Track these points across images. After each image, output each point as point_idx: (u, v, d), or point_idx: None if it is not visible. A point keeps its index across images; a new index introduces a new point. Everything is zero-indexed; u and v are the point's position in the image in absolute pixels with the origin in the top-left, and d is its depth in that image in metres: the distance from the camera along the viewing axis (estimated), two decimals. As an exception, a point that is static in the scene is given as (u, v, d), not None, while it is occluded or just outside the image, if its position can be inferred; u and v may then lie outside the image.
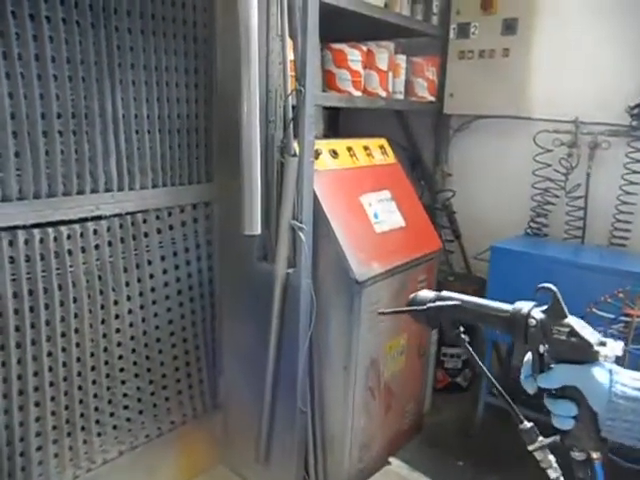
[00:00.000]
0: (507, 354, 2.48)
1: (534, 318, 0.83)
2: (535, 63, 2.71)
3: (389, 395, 2.34)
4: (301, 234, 1.84)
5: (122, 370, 1.94)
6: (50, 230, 1.63)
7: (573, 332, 0.81)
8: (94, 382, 1.86)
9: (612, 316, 1.82)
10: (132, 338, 1.95)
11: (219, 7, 1.95)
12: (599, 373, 0.80)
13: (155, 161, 1.89)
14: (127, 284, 1.89)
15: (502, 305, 0.89)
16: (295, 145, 1.88)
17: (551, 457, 0.84)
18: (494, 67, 2.77)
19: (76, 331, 1.77)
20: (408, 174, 2.68)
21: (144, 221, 1.89)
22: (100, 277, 1.80)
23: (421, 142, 3.19)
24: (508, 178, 2.94)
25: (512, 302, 0.88)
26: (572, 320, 0.82)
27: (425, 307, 0.95)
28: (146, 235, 1.91)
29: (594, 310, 1.84)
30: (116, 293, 1.86)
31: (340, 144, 2.26)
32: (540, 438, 0.85)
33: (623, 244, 2.61)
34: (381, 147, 2.47)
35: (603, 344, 0.81)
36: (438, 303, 0.95)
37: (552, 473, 0.83)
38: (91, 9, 1.61)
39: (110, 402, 1.92)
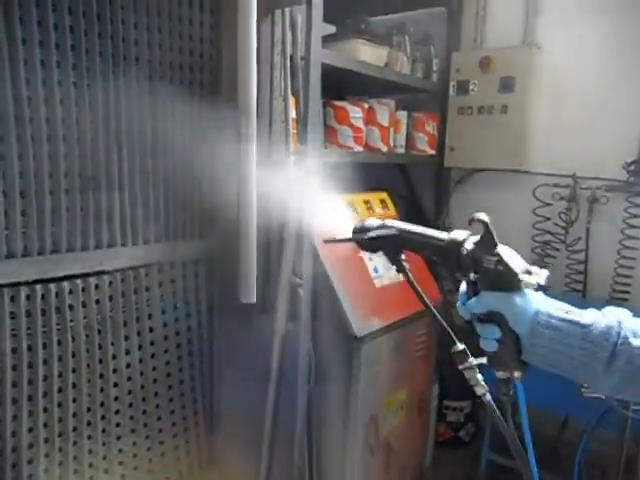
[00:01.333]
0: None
1: (466, 247, 0.87)
2: (533, 119, 2.78)
3: (389, 451, 2.30)
4: (300, 290, 1.85)
5: (118, 425, 1.92)
6: (52, 286, 1.65)
7: (500, 261, 0.86)
8: (89, 437, 1.84)
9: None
10: (130, 392, 1.94)
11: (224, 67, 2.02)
12: (522, 301, 0.86)
13: (158, 217, 1.93)
14: (126, 338, 1.89)
15: (439, 234, 0.93)
16: (296, 201, 1.92)
17: (479, 376, 0.90)
18: (493, 123, 2.84)
19: (73, 386, 1.76)
20: (409, 226, 2.71)
21: (146, 275, 1.91)
22: (100, 331, 1.81)
23: (422, 194, 3.24)
24: (508, 230, 2.92)
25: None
26: (501, 250, 0.87)
27: (366, 237, 1.00)
28: (147, 289, 1.92)
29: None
30: (115, 347, 1.86)
31: (341, 199, 2.30)
32: (470, 359, 0.90)
33: (624, 298, 2.60)
34: (382, 201, 2.51)
35: (529, 272, 0.87)
36: (378, 232, 0.98)
37: (479, 390, 0.90)
38: (102, 74, 1.68)
39: (105, 458, 1.89)
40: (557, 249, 2.78)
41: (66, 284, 1.69)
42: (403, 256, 0.99)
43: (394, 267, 1.01)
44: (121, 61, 1.72)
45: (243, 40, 1.46)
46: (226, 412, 2.22)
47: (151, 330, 1.97)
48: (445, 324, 0.96)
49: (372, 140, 2.58)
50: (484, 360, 0.90)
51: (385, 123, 2.61)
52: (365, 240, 1.00)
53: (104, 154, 1.73)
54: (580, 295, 2.71)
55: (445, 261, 0.91)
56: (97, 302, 1.78)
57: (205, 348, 2.18)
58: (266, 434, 2.00)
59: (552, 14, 2.77)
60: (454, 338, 0.92)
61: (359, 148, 2.46)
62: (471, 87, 2.89)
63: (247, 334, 2.09)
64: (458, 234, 0.90)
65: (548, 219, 2.77)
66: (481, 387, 0.90)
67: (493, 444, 2.58)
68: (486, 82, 2.83)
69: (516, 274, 0.85)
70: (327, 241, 1.16)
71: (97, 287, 1.78)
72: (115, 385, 1.89)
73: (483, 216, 0.86)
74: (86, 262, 1.73)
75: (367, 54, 2.45)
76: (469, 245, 0.87)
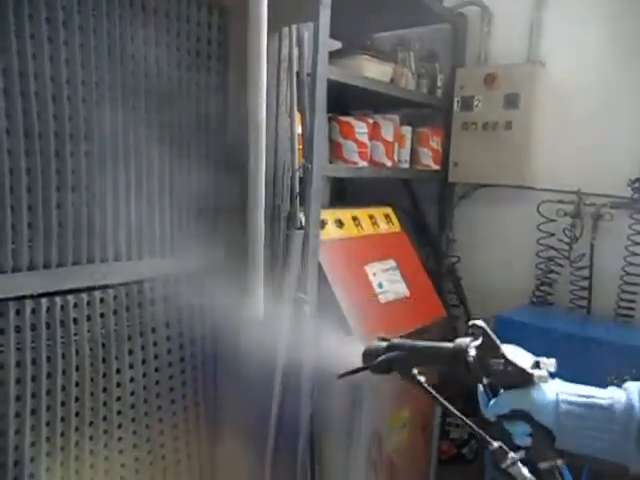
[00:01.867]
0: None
1: (470, 354, 0.89)
2: (537, 136, 2.79)
3: (392, 468, 2.28)
4: (305, 306, 1.85)
5: (120, 439, 1.91)
6: (57, 299, 1.65)
7: (507, 362, 0.88)
8: (91, 452, 1.83)
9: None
10: (132, 406, 1.93)
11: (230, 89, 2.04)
12: (539, 395, 0.87)
13: (164, 231, 1.93)
14: (130, 352, 1.89)
15: (443, 344, 0.95)
16: (301, 216, 1.92)
17: (524, 470, 0.89)
18: (497, 138, 2.85)
19: (76, 400, 1.75)
20: (413, 240, 2.71)
21: (150, 289, 1.91)
22: (104, 345, 1.80)
23: (426, 208, 3.24)
24: (512, 246, 2.96)
25: None
26: (505, 350, 0.89)
27: (375, 364, 1.03)
28: (152, 303, 1.92)
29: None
30: (119, 361, 1.86)
31: (346, 213, 2.31)
32: (510, 455, 0.89)
33: (629, 314, 2.60)
34: (386, 216, 2.52)
35: (537, 365, 0.89)
36: (388, 355, 1.01)
37: None
38: (110, 88, 1.70)
39: (107, 473, 1.88)
40: (561, 265, 2.77)
41: (71, 297, 1.69)
42: (415, 371, 1.01)
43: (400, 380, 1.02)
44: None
45: (253, 58, 1.47)
46: (229, 426, 2.21)
47: (155, 344, 1.96)
48: (476, 427, 0.95)
49: (377, 155, 2.59)
50: (523, 454, 0.90)
51: (390, 138, 2.62)
52: (376, 365, 1.03)
53: (111, 167, 1.74)
54: (585, 311, 2.70)
55: (456, 370, 0.92)
56: (102, 316, 1.78)
57: (209, 362, 2.17)
58: (269, 449, 1.98)
59: (556, 31, 2.80)
60: (488, 439, 0.92)
61: (364, 163, 2.47)
62: (475, 103, 2.91)
63: (251, 349, 2.09)
64: (461, 342, 0.92)
65: (552, 235, 2.77)
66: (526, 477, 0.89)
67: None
68: (490, 98, 2.85)
69: (526, 372, 0.88)
70: (341, 376, 1.17)
71: (102, 300, 1.78)
72: (118, 399, 1.88)
73: (479, 322, 0.90)
74: (92, 275, 1.73)
75: (372, 70, 2.47)
76: (472, 351, 0.89)
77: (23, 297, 1.58)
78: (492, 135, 2.84)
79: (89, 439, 1.80)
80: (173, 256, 1.98)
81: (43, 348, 1.64)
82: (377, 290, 2.17)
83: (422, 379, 1.01)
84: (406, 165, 2.84)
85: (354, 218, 2.32)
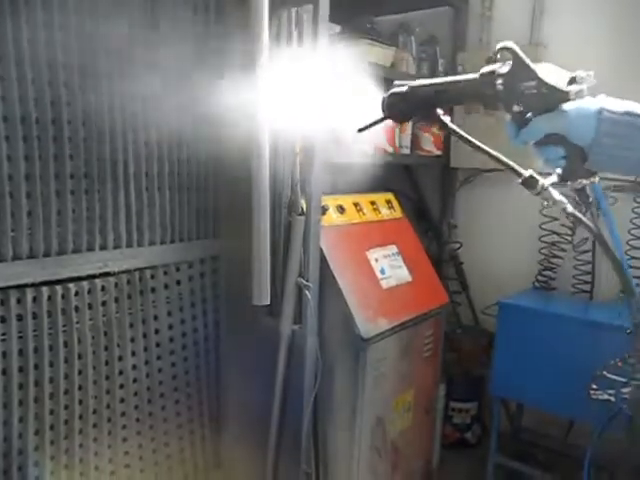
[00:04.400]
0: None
1: (499, 81, 0.83)
2: (539, 119, 2.76)
3: (396, 454, 2.29)
4: (307, 292, 1.84)
5: (124, 427, 1.91)
6: (58, 287, 1.64)
7: (542, 83, 0.82)
8: (95, 440, 1.83)
9: (624, 380, 1.79)
10: (135, 394, 1.93)
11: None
12: (580, 112, 0.82)
13: (164, 218, 1.92)
14: (132, 340, 1.89)
15: (469, 76, 0.89)
16: (303, 202, 1.91)
17: (554, 193, 0.86)
18: (499, 122, 2.81)
19: (79, 388, 1.76)
20: (415, 226, 2.70)
21: (152, 277, 1.91)
22: (106, 333, 1.80)
23: (428, 194, 3.22)
24: (515, 231, 2.95)
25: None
26: (539, 70, 0.83)
27: (396, 110, 0.96)
28: (153, 290, 1.92)
29: (604, 373, 1.82)
30: (121, 349, 1.86)
31: (347, 199, 2.29)
32: (540, 181, 0.85)
33: (632, 299, 2.59)
34: (388, 202, 2.50)
35: (574, 80, 0.84)
36: (407, 102, 0.95)
37: (560, 204, 0.85)
38: (108, 78, 1.68)
39: (111, 461, 1.88)
40: (564, 250, 2.76)
41: (72, 286, 1.68)
42: (440, 111, 0.94)
43: None
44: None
45: (254, 42, 1.44)
46: (232, 414, 2.22)
47: (157, 332, 1.96)
48: (504, 159, 0.90)
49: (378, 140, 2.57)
50: (554, 178, 0.87)
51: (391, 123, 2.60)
52: (397, 112, 0.97)
53: (110, 154, 1.72)
54: (588, 296, 2.69)
55: (485, 101, 0.88)
56: (103, 304, 1.78)
57: (211, 350, 2.17)
58: (272, 436, 1.99)
59: (558, 13, 2.76)
60: (517, 168, 0.87)
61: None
62: (477, 87, 2.87)
63: (253, 335, 2.09)
64: (488, 68, 0.86)
65: (555, 219, 2.75)
66: (561, 202, 0.86)
67: (500, 446, 2.56)
68: (492, 82, 2.81)
69: (562, 90, 0.82)
70: (361, 129, 1.06)
71: (103, 289, 1.77)
72: (121, 387, 1.88)
73: (509, 44, 0.83)
74: (92, 263, 1.72)
75: (373, 54, 2.44)
76: (502, 76, 0.83)
77: (24, 285, 1.58)
78: (494, 119, 2.81)
79: (92, 427, 1.81)
80: (174, 243, 1.97)
81: (45, 336, 1.64)
82: (379, 276, 2.16)
83: (447, 119, 0.94)
84: (407, 151, 2.81)
85: (355, 204, 2.30)
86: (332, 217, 2.14)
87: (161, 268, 1.93)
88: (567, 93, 0.82)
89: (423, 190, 3.23)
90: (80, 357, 1.74)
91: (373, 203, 2.41)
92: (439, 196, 3.17)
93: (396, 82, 0.98)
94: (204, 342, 2.14)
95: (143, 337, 1.92)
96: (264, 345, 2.00)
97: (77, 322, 1.71)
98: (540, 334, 2.34)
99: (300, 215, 1.86)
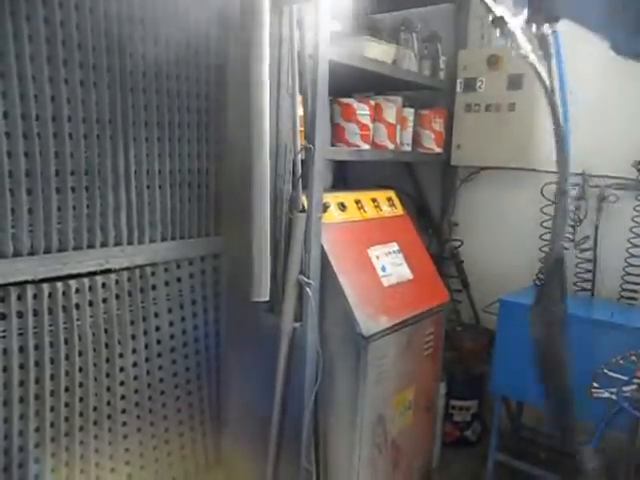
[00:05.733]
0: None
1: None
2: (541, 117, 2.75)
3: (396, 451, 2.29)
4: (308, 289, 1.84)
5: (125, 424, 1.91)
6: (59, 284, 1.64)
7: None
8: (96, 437, 1.83)
9: (625, 378, 1.79)
10: (136, 391, 1.93)
11: (230, 66, 2.01)
12: None
13: (165, 215, 1.92)
14: (133, 337, 1.89)
15: None
16: (304, 199, 1.90)
17: (520, 36, 0.83)
18: (500, 120, 2.81)
19: (80, 385, 1.75)
20: (415, 224, 2.69)
21: (152, 274, 1.90)
22: (106, 330, 1.80)
23: (429, 192, 3.22)
24: (515, 228, 2.94)
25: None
26: None
27: None
28: (154, 288, 1.92)
29: (605, 371, 1.81)
30: (122, 346, 1.85)
31: (348, 197, 2.28)
32: (508, 23, 0.85)
33: (633, 297, 2.59)
34: (389, 199, 2.49)
35: None
36: None
37: (524, 51, 0.84)
38: (108, 71, 1.67)
39: (111, 457, 1.88)
40: (565, 247, 2.75)
41: (73, 282, 1.68)
42: None
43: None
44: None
45: (255, 39, 1.44)
46: (233, 411, 2.22)
47: (157, 329, 1.96)
48: None
49: (379, 137, 2.56)
50: (521, 21, 0.85)
51: (392, 120, 2.59)
52: None
53: (111, 151, 1.72)
54: (589, 294, 2.68)
55: None
56: (104, 301, 1.77)
57: (212, 347, 2.17)
58: (273, 433, 1.98)
59: (561, 10, 2.75)
60: (491, 6, 0.86)
61: (366, 146, 2.44)
62: (478, 84, 2.87)
63: (254, 333, 2.08)
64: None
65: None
66: (524, 48, 0.85)
67: (500, 444, 2.56)
68: (494, 79, 2.80)
69: None
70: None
71: (104, 286, 1.77)
72: (122, 384, 1.88)
73: None
74: (93, 260, 1.72)
75: (375, 51, 2.43)
76: None
77: (25, 282, 1.57)
78: (495, 117, 2.81)
79: (93, 424, 1.81)
80: (175, 241, 1.97)
81: (46, 334, 1.64)
82: (380, 273, 2.15)
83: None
84: (408, 148, 2.80)
85: (357, 201, 2.29)
86: (333, 214, 2.14)
87: (162, 265, 1.93)
88: None
89: (424, 188, 3.23)
90: (81, 354, 1.74)
91: (374, 200, 2.40)
92: (440, 194, 3.16)
93: None
94: (205, 339, 2.13)
95: (144, 334, 1.92)
96: (265, 343, 2.00)
97: (78, 319, 1.71)
98: (541, 332, 2.33)
99: (301, 212, 1.85)
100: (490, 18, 0.85)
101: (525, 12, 0.84)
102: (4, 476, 1.61)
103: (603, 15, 0.81)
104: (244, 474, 2.19)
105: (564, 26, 2.66)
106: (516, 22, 0.84)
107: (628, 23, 0.84)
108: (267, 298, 1.55)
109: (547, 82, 0.86)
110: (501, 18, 0.84)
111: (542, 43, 0.85)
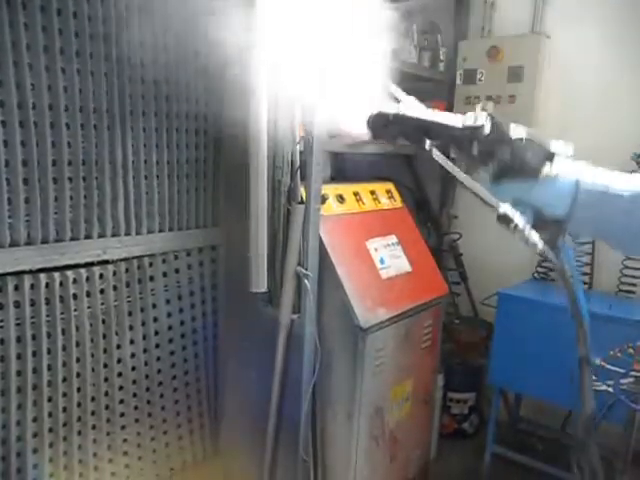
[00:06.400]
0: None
1: (477, 142, 0.84)
2: (541, 109, 2.74)
3: (394, 443, 2.29)
4: (306, 281, 1.83)
5: (123, 415, 1.91)
6: (56, 275, 1.64)
7: (515, 155, 0.82)
8: (94, 427, 1.83)
9: (622, 371, 1.79)
10: (134, 382, 1.93)
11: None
12: (549, 190, 0.81)
13: (163, 206, 1.91)
14: (131, 327, 1.89)
15: (452, 125, 0.88)
16: (302, 191, 1.90)
17: (527, 232, 0.83)
18: (500, 112, 2.78)
19: (78, 375, 1.76)
20: (414, 216, 2.69)
21: (150, 265, 1.90)
22: (104, 321, 1.80)
23: (428, 184, 3.20)
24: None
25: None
26: (516, 136, 0.83)
27: (382, 131, 0.98)
28: (152, 279, 1.91)
29: (603, 364, 1.81)
30: (119, 337, 1.85)
31: (347, 189, 2.27)
32: (515, 222, 0.84)
33: (631, 290, 2.59)
34: (388, 191, 2.48)
35: (550, 158, 0.82)
36: (394, 126, 0.96)
37: (532, 245, 0.83)
38: (106, 59, 1.66)
39: (109, 448, 1.89)
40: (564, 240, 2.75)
41: (70, 273, 1.67)
42: (428, 143, 0.94)
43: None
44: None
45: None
46: (230, 402, 2.22)
47: (155, 320, 1.96)
48: (482, 194, 0.88)
49: (378, 130, 2.55)
50: (527, 223, 0.84)
51: (391, 112, 2.58)
52: (383, 133, 0.99)
53: (108, 141, 1.71)
54: (587, 287, 2.68)
55: (462, 152, 0.88)
56: (101, 292, 1.77)
57: (210, 338, 2.17)
58: (270, 425, 1.99)
59: (562, 3, 2.73)
60: (495, 205, 0.86)
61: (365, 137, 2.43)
62: (479, 76, 2.85)
63: (252, 325, 2.08)
64: (469, 126, 0.86)
65: (555, 211, 2.74)
66: (533, 243, 0.84)
67: (497, 436, 2.57)
68: (494, 71, 2.79)
69: (534, 168, 0.81)
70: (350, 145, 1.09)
71: (101, 276, 1.76)
72: (119, 375, 1.88)
73: (490, 109, 0.84)
74: (90, 251, 1.72)
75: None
76: (480, 141, 0.84)
77: (22, 272, 1.57)
78: (496, 109, 2.80)
79: (91, 414, 1.81)
80: (173, 232, 1.96)
81: (43, 324, 1.64)
82: (379, 265, 2.15)
83: (436, 152, 0.93)
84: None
85: (355, 193, 2.28)
86: (332, 206, 2.13)
87: (160, 256, 1.92)
88: (537, 171, 0.82)
89: (423, 180, 3.22)
90: (78, 345, 1.74)
91: (373, 193, 2.39)
92: (439, 186, 3.16)
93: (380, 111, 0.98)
94: (203, 331, 2.13)
95: (142, 325, 1.92)
96: (263, 334, 2.00)
97: (75, 310, 1.70)
98: (539, 325, 2.34)
99: (300, 203, 1.85)
100: (496, 216, 0.86)
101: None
102: (2, 465, 1.61)
103: None
104: (242, 465, 2.20)
105: (564, 26, 2.66)
106: (521, 222, 0.84)
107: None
108: (265, 289, 1.55)
109: (560, 266, 0.87)
110: (505, 216, 0.84)
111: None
